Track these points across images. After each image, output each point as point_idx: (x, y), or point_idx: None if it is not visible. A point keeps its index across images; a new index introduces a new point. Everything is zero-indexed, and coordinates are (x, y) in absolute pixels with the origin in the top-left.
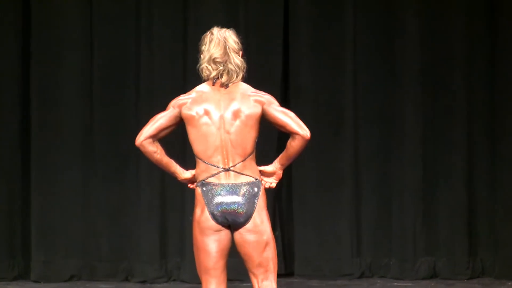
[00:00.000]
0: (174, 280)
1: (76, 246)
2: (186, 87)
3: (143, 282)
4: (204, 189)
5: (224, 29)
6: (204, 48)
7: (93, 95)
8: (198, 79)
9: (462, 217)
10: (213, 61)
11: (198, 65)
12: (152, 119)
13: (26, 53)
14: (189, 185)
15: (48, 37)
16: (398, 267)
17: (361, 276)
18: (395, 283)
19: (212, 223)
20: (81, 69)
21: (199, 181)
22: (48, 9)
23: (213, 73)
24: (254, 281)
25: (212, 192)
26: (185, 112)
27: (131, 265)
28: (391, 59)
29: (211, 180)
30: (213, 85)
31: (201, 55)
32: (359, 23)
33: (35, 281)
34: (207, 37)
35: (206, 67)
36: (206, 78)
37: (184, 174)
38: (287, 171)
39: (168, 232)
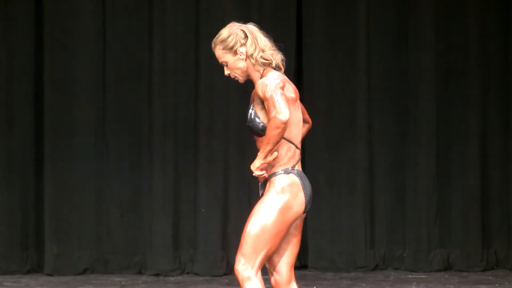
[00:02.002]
0: (187, 273)
1: (89, 239)
2: (198, 80)
3: (157, 275)
4: (299, 176)
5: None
6: (247, 41)
7: (106, 88)
8: (211, 71)
9: (476, 209)
10: (271, 50)
11: (251, 54)
12: (279, 97)
13: (39, 47)
14: (264, 173)
15: (61, 30)
16: (412, 259)
17: (375, 268)
18: (409, 275)
19: (303, 209)
20: (94, 62)
21: (291, 167)
22: (60, 2)
23: (275, 62)
24: (289, 274)
25: (305, 179)
26: (289, 94)
27: (145, 258)
28: (405, 51)
29: (298, 167)
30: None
31: (240, 48)
32: (372, 15)
33: (49, 274)
34: (243, 31)
35: (266, 55)
36: (263, 65)
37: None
38: (301, 162)
39: (181, 225)
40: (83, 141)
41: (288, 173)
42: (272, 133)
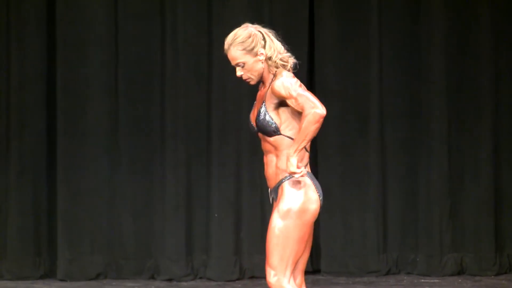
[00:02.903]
0: (200, 278)
1: (102, 244)
2: (210, 84)
3: (170, 280)
4: (310, 177)
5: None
6: (266, 43)
7: (118, 92)
8: (223, 75)
9: (489, 213)
10: (284, 53)
11: (269, 56)
12: (308, 93)
13: (51, 51)
14: (304, 171)
15: (73, 34)
16: (425, 264)
17: (388, 272)
18: (422, 280)
19: (319, 209)
20: (106, 66)
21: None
22: (72, 6)
23: (289, 65)
24: (301, 279)
25: (315, 179)
26: None
27: (157, 263)
28: (417, 53)
29: (307, 168)
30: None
31: (261, 49)
32: (385, 17)
33: (61, 280)
34: (260, 33)
35: (284, 57)
36: (281, 67)
37: None
38: (313, 166)
39: (194, 229)
40: (95, 145)
41: (303, 175)
42: (310, 128)
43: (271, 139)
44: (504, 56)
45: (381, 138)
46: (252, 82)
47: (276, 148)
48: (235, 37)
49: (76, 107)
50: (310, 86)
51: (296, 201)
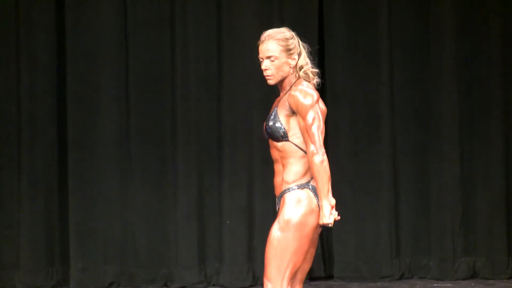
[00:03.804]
0: (213, 285)
1: (114, 253)
2: (221, 92)
3: (183, 287)
4: (313, 191)
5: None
6: (302, 53)
7: (129, 101)
8: (233, 83)
9: (501, 217)
10: (314, 69)
11: (301, 66)
12: (319, 127)
13: (61, 61)
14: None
15: (83, 44)
16: (438, 268)
17: (401, 277)
18: (435, 284)
19: (318, 222)
20: (116, 76)
21: (306, 182)
22: (82, 15)
23: (314, 81)
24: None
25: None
26: (322, 106)
27: (170, 270)
28: (427, 58)
29: (312, 182)
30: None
31: (296, 55)
32: (394, 22)
33: None
34: (299, 42)
35: (313, 72)
36: (309, 79)
37: None
38: None
39: (206, 237)
40: (106, 155)
41: (302, 188)
42: (320, 171)
43: (279, 144)
44: None
45: (392, 143)
46: (271, 82)
47: (282, 156)
48: (279, 32)
49: (87, 116)
50: (321, 93)
51: (296, 213)
